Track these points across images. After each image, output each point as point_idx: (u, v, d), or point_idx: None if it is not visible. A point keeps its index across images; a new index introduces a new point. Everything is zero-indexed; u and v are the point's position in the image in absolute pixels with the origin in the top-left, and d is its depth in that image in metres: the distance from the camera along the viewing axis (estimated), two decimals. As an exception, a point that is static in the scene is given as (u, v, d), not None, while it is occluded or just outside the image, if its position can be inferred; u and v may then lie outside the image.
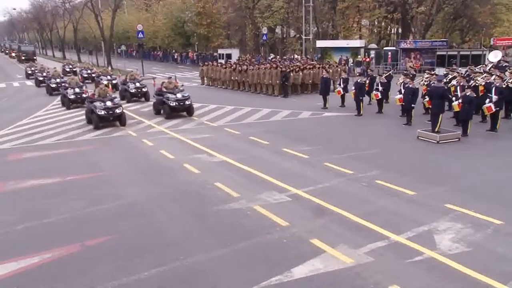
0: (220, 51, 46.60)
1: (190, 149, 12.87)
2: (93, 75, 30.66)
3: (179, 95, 17.47)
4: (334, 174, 10.18)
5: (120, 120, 16.31)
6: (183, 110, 17.74)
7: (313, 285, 5.72)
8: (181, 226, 7.65)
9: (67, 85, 21.85)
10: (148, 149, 13.09)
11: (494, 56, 22.40)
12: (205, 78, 29.87)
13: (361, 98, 17.26)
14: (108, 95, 16.59)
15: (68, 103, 21.07)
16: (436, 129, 12.94)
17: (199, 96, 22.20)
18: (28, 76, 37.25)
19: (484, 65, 22.23)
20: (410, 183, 9.25)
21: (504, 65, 20.82)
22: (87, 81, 29.00)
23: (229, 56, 42.68)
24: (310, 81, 23.90)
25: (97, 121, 15.83)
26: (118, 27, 56.71)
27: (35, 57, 59.02)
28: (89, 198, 9.06)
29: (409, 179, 9.58)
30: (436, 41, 35.66)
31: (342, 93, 19.07)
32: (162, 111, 18.14)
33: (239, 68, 26.48)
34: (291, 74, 23.33)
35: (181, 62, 55.74)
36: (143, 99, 22.80)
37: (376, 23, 48.50)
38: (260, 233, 7.20)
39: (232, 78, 26.91)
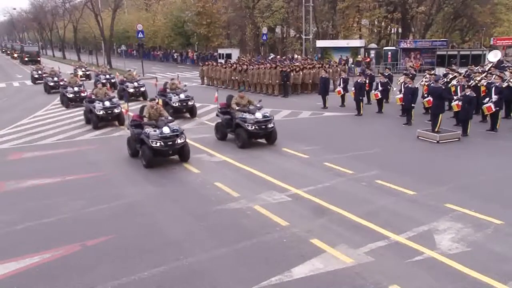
0: (220, 51, 46.63)
1: (190, 149, 12.84)
2: (113, 80, 26.05)
3: (258, 115, 12.52)
4: (334, 174, 10.18)
5: (182, 153, 11.32)
6: (264, 135, 12.92)
7: (313, 285, 5.72)
8: (181, 226, 7.65)
9: (93, 96, 16.80)
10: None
11: (493, 56, 22.40)
12: (205, 78, 29.90)
13: (361, 98, 17.28)
14: (161, 116, 11.59)
15: (95, 121, 16.00)
16: (436, 129, 12.94)
17: (199, 96, 22.15)
18: (34, 81, 32.62)
19: (484, 65, 22.21)
20: (410, 183, 9.24)
21: (506, 65, 20.77)
22: None
23: (229, 56, 42.70)
24: (310, 81, 23.93)
25: (150, 156, 10.89)
26: (118, 27, 56.78)
27: (39, 58, 56.86)
28: (89, 198, 9.06)
29: (409, 179, 9.58)
30: (436, 41, 35.67)
31: (342, 93, 19.09)
32: (232, 135, 13.34)
33: (239, 67, 26.49)
34: (291, 74, 23.35)
35: (181, 62, 55.76)
36: (187, 114, 18.10)
37: (376, 23, 48.48)
38: (260, 233, 7.20)
39: (232, 78, 26.92)
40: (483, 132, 13.84)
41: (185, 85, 19.52)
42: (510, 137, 13.39)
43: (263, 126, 12.51)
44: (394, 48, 37.65)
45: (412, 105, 14.99)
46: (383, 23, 47.50)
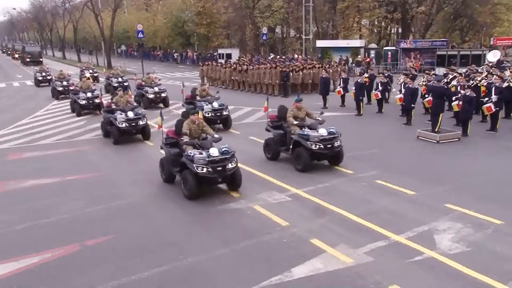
0: (220, 51, 46.61)
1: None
2: (126, 83, 23.21)
3: (323, 131, 10.34)
4: (334, 174, 10.17)
5: (233, 181, 9.17)
6: (331, 156, 10.54)
7: (313, 285, 5.72)
8: (181, 226, 7.65)
9: (113, 105, 14.27)
10: (148, 149, 13.08)
11: (493, 56, 22.43)
12: (205, 78, 29.89)
13: (361, 98, 17.29)
14: (203, 133, 9.57)
15: (117, 135, 13.56)
16: (436, 129, 12.94)
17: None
18: (38, 83, 30.69)
19: (486, 65, 22.20)
20: (410, 183, 9.24)
21: (506, 65, 20.78)
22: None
23: (229, 56, 42.69)
24: (310, 81, 23.94)
25: (194, 185, 8.70)
26: (118, 27, 56.70)
27: (41, 59, 55.61)
28: (89, 198, 9.06)
29: (409, 179, 9.57)
30: (436, 41, 35.66)
31: (342, 93, 19.10)
32: (286, 155, 11.17)
33: (239, 68, 26.49)
34: (291, 74, 23.37)
35: (181, 62, 55.73)
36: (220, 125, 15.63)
37: (376, 23, 48.48)
38: (260, 233, 7.20)
39: (232, 78, 26.94)
40: (483, 132, 13.84)
41: (218, 92, 17.25)
42: (510, 137, 13.39)
43: (329, 145, 10.17)
44: (394, 48, 37.62)
45: (412, 105, 14.99)
46: (383, 23, 47.51)
